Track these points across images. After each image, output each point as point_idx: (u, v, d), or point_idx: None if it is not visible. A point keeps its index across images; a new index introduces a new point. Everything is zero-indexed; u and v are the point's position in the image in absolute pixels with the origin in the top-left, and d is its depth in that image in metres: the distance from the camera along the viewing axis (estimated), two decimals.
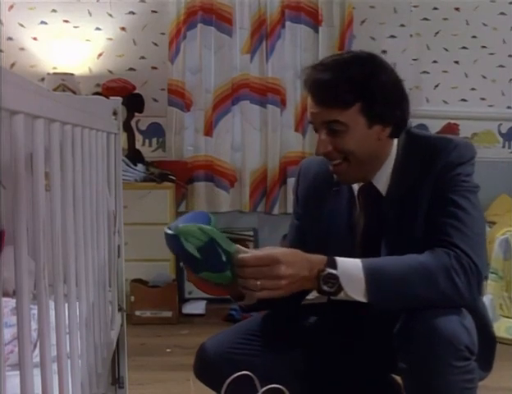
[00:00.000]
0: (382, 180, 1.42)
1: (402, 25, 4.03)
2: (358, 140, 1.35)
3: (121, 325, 2.00)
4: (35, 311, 0.87)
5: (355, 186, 1.47)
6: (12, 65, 3.70)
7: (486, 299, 2.96)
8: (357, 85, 1.32)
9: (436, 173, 1.34)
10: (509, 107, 4.14)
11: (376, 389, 1.56)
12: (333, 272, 1.25)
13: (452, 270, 1.24)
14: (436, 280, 1.24)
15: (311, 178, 1.58)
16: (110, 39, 3.84)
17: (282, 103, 3.88)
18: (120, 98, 2.03)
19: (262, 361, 1.43)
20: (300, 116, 3.86)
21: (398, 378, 1.43)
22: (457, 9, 4.04)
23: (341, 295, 1.26)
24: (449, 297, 1.24)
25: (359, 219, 1.47)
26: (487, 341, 1.38)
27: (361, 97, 1.32)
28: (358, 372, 1.50)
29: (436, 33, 4.05)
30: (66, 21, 3.80)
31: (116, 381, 2.07)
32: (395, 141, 1.43)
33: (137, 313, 3.38)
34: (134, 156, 3.66)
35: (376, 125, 1.35)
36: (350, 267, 1.26)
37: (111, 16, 3.83)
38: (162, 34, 3.83)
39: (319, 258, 1.28)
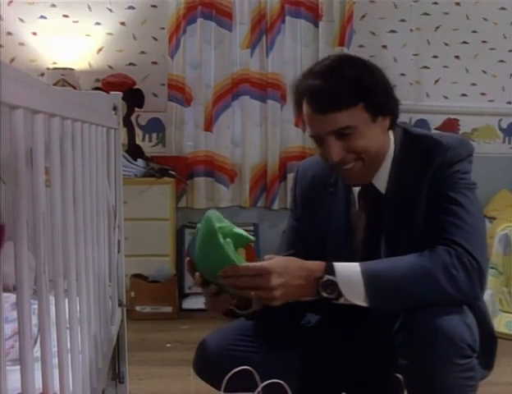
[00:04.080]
0: (381, 179, 1.42)
1: (402, 20, 4.01)
2: (369, 137, 1.34)
3: (122, 320, 2.00)
4: (36, 306, 0.87)
5: (356, 188, 1.47)
6: (12, 60, 3.69)
7: (486, 294, 2.96)
8: (356, 85, 1.31)
9: (434, 171, 1.34)
10: (509, 103, 4.13)
11: (376, 386, 1.55)
12: (332, 278, 1.25)
13: (452, 268, 1.24)
14: (436, 279, 1.23)
15: (308, 180, 1.58)
16: (110, 34, 3.83)
17: (282, 98, 3.88)
18: (120, 93, 2.03)
19: (262, 358, 1.43)
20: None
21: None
22: (457, 4, 4.03)
23: (342, 301, 1.26)
24: (450, 296, 1.24)
25: (358, 218, 1.47)
26: (488, 339, 1.37)
27: (362, 95, 1.32)
28: (359, 369, 1.50)
29: (437, 28, 4.04)
30: (65, 16, 3.79)
31: (117, 376, 2.08)
32: (392, 139, 1.42)
33: (137, 308, 3.38)
34: (134, 151, 3.66)
35: (378, 117, 1.35)
36: (349, 272, 1.25)
37: (110, 10, 3.82)
38: (162, 28, 3.83)
39: (316, 265, 1.27)
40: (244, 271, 1.22)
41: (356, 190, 1.46)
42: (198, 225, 1.27)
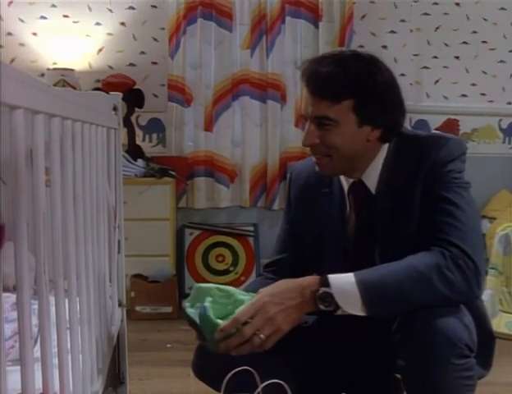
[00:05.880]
0: (372, 178, 1.42)
1: (402, 21, 4.02)
2: (346, 137, 1.35)
3: (122, 320, 2.00)
4: (36, 306, 0.87)
5: (346, 186, 1.47)
6: (12, 60, 3.69)
7: (486, 294, 2.96)
8: (352, 81, 1.32)
9: (427, 170, 1.34)
10: (509, 103, 4.13)
11: (376, 386, 1.55)
12: (327, 290, 1.24)
13: (447, 271, 1.23)
14: (431, 284, 1.23)
15: (303, 180, 1.58)
16: (110, 35, 3.83)
17: (282, 99, 3.88)
18: (120, 94, 2.03)
19: (261, 359, 1.42)
20: (300, 111, 3.85)
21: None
22: (457, 4, 4.03)
23: (339, 312, 1.25)
24: (447, 298, 1.24)
25: (350, 218, 1.47)
26: (486, 338, 1.38)
27: (354, 94, 1.32)
28: (358, 369, 1.50)
29: (437, 28, 4.04)
30: (65, 16, 3.79)
31: (117, 376, 2.07)
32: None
33: (137, 308, 3.38)
34: (134, 151, 3.66)
35: (366, 126, 1.35)
36: (344, 284, 1.24)
37: (110, 11, 3.82)
38: (162, 29, 3.83)
39: (310, 280, 1.27)
40: (245, 314, 1.21)
41: (347, 188, 1.47)
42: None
